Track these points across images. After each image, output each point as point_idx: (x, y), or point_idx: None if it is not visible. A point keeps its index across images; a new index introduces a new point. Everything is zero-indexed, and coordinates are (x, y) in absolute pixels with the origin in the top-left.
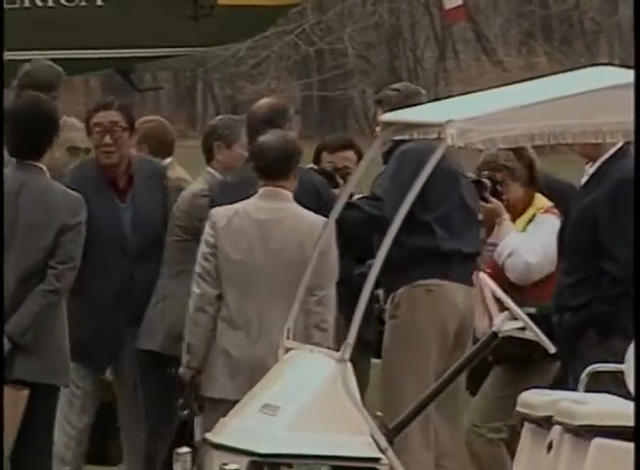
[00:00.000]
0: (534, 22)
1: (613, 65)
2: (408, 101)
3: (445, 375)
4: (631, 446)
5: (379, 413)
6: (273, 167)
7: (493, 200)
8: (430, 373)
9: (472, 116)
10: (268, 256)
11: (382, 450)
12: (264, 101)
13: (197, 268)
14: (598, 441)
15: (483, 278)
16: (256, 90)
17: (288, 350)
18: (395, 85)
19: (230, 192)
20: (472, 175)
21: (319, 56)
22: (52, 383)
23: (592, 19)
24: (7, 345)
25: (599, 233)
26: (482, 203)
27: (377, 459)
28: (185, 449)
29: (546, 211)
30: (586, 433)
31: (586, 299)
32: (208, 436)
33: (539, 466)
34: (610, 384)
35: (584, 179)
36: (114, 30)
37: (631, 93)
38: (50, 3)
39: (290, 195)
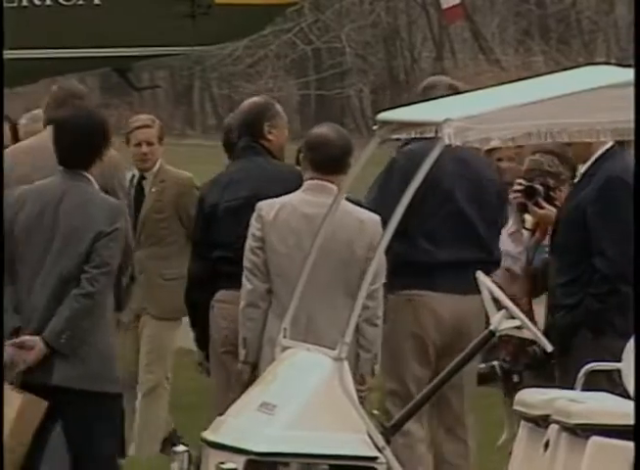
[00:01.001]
0: (531, 21)
1: (609, 63)
2: None
3: (440, 375)
4: (628, 444)
5: (376, 412)
6: (332, 161)
7: (546, 205)
8: (409, 381)
9: (469, 114)
10: (315, 250)
11: (379, 449)
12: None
13: (246, 263)
14: (595, 439)
15: (480, 277)
16: (254, 89)
17: (285, 348)
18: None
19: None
20: (523, 182)
21: (316, 55)
22: (89, 389)
23: (589, 18)
24: (44, 349)
25: (588, 231)
26: (536, 209)
27: (374, 458)
28: (182, 448)
29: None
30: (583, 432)
31: (579, 297)
32: (205, 434)
33: (536, 465)
34: (606, 383)
35: (577, 179)
36: (112, 29)
37: (629, 92)
38: (48, 2)
39: (336, 190)
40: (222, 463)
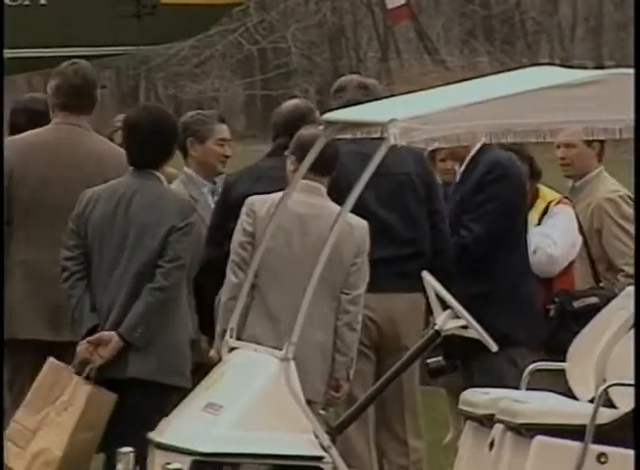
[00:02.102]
0: (476, 21)
1: (553, 64)
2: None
3: (386, 375)
4: (573, 443)
5: (322, 412)
6: (322, 162)
7: None
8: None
9: (414, 115)
10: (304, 250)
11: (324, 449)
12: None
13: (233, 257)
14: (539, 439)
15: (425, 276)
16: (200, 89)
17: (232, 349)
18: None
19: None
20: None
21: (262, 55)
22: (163, 382)
23: (533, 18)
24: (119, 344)
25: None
26: None
27: (320, 458)
28: (127, 449)
29: (559, 203)
30: (527, 431)
31: None
32: (151, 435)
33: (481, 464)
34: (550, 382)
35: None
36: (57, 29)
37: (572, 93)
38: None
39: (325, 191)
40: (168, 464)
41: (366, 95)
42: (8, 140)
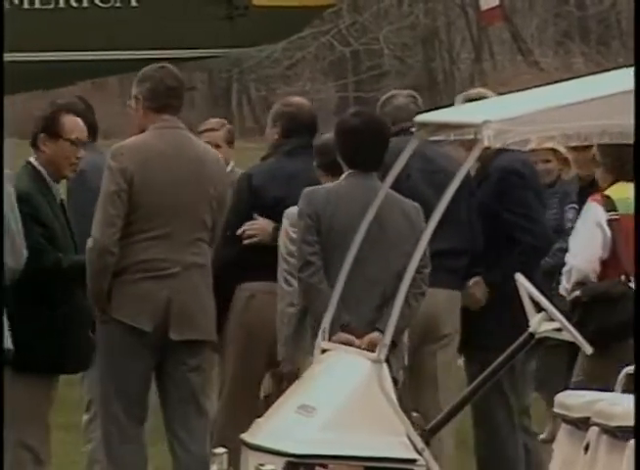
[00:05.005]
0: (571, 22)
1: None
2: None
3: (480, 378)
4: None
5: (415, 414)
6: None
7: None
8: None
9: (508, 116)
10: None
11: (418, 451)
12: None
13: (284, 265)
14: (635, 442)
15: (519, 278)
16: (291, 91)
17: (324, 350)
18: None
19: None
20: None
21: (355, 57)
22: None
23: (629, 19)
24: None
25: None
26: None
27: (413, 460)
28: (221, 450)
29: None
30: (623, 434)
31: None
32: (244, 436)
33: (576, 467)
34: None
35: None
36: (148, 31)
37: None
38: (85, 4)
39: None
40: (262, 465)
41: (415, 103)
42: (124, 148)
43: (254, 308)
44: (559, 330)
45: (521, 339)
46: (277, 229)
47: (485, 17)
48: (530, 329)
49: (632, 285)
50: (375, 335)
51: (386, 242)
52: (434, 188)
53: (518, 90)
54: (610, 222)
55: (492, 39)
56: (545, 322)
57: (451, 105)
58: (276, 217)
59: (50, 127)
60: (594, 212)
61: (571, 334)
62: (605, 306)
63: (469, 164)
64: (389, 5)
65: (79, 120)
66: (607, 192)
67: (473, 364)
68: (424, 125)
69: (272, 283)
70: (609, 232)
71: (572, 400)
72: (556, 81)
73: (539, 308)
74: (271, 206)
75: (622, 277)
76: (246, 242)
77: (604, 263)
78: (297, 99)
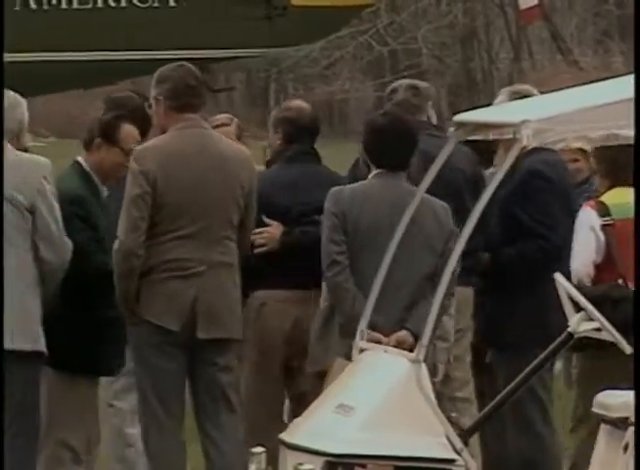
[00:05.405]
0: (611, 21)
1: None
2: None
3: (518, 378)
4: None
5: (453, 414)
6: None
7: None
8: None
9: (547, 115)
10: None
11: (457, 452)
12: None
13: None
14: None
15: (557, 278)
16: (330, 91)
17: (362, 350)
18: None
19: None
20: None
21: (393, 56)
22: None
23: None
24: (411, 341)
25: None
26: None
27: (452, 460)
28: (259, 449)
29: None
30: None
31: None
32: (283, 436)
33: (616, 467)
34: None
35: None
36: (187, 31)
37: None
38: (123, 4)
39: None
40: (300, 464)
41: (416, 95)
42: (146, 150)
43: (266, 316)
44: (598, 330)
45: (560, 338)
46: (286, 234)
47: (524, 16)
48: (570, 329)
49: (631, 287)
50: (402, 333)
51: (416, 243)
52: (441, 183)
53: (557, 90)
54: (604, 227)
55: (531, 38)
56: (584, 322)
57: (489, 104)
58: (282, 224)
59: (108, 134)
60: (588, 218)
61: (611, 334)
62: (604, 309)
63: (508, 164)
64: (428, 4)
65: (136, 131)
66: (602, 198)
67: (501, 364)
68: (462, 125)
69: (283, 291)
70: (602, 237)
71: (612, 400)
72: (595, 80)
73: (578, 308)
74: (275, 213)
75: (620, 281)
76: (256, 252)
77: (598, 268)
78: (296, 103)
